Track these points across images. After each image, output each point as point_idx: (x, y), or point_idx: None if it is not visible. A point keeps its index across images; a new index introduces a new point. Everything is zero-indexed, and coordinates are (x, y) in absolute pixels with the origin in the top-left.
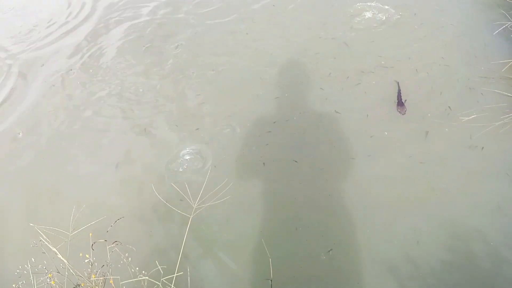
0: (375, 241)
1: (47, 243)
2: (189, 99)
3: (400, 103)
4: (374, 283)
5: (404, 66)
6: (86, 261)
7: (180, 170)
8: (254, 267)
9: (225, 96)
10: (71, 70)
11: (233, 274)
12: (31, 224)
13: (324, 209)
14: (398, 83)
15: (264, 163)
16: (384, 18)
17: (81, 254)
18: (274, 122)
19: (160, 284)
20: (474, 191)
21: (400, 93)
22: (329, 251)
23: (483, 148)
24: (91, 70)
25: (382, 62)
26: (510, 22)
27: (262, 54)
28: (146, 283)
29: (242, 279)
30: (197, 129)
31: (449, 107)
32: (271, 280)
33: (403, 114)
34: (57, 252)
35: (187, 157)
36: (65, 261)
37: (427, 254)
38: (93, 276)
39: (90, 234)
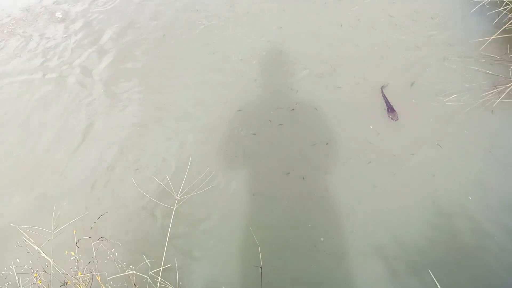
0: (361, 223)
1: (30, 243)
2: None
3: (391, 109)
4: (362, 264)
5: (382, 51)
6: (71, 258)
7: (161, 161)
8: (244, 255)
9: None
10: None
11: (222, 264)
12: (12, 225)
13: (310, 195)
14: (382, 88)
15: (246, 152)
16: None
17: (66, 252)
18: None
19: (148, 277)
20: (457, 168)
21: (386, 98)
22: (322, 240)
23: (464, 126)
24: None
25: (360, 48)
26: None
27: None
28: (134, 277)
29: (231, 268)
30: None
31: (430, 89)
32: (261, 268)
33: (395, 120)
34: (41, 251)
35: (167, 148)
36: (49, 259)
37: (412, 233)
38: (79, 273)
39: (74, 231)
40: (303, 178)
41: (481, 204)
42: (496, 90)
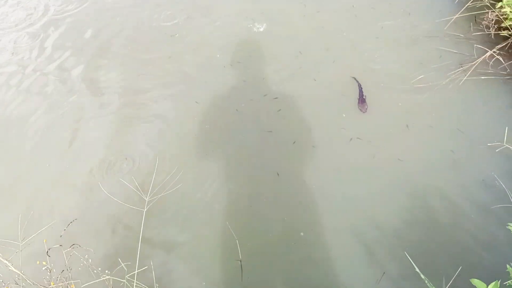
0: (339, 211)
1: None
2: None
3: (361, 100)
4: (342, 250)
5: (349, 36)
6: (43, 268)
7: (128, 163)
8: (222, 250)
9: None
10: None
11: (201, 260)
12: None
13: (284, 183)
14: (355, 78)
15: (217, 147)
16: None
17: (38, 262)
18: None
19: (125, 281)
20: (428, 148)
21: (361, 88)
22: (301, 234)
23: (432, 106)
24: None
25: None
26: None
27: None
28: (111, 282)
29: (211, 264)
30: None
31: (397, 71)
32: (241, 261)
33: (364, 112)
34: (8, 264)
35: (134, 149)
36: (18, 272)
37: (389, 215)
38: (51, 283)
39: (45, 240)
40: (278, 174)
41: (454, 183)
42: (462, 68)
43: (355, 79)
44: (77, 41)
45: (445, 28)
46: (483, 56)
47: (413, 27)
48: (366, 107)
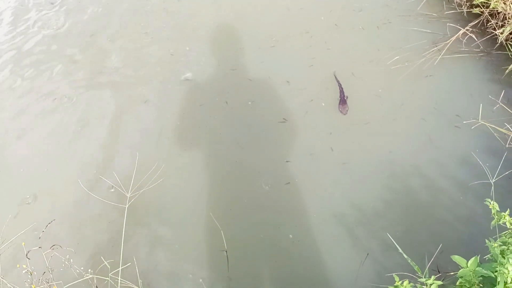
0: (318, 193)
1: None
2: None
3: (343, 101)
4: (324, 234)
5: (325, 15)
6: (24, 271)
7: (107, 159)
8: (207, 241)
9: None
10: None
11: (185, 253)
12: None
13: (266, 171)
14: (335, 76)
15: (197, 138)
16: None
17: (18, 266)
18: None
19: (109, 279)
20: (406, 128)
21: (342, 88)
22: (284, 221)
23: (408, 87)
24: None
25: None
26: None
27: None
28: (95, 281)
29: (196, 256)
30: None
31: (372, 53)
32: (226, 251)
33: (344, 114)
34: None
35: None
36: None
37: (369, 197)
38: (33, 286)
39: (23, 243)
40: (259, 158)
41: (431, 162)
42: (436, 48)
43: (335, 77)
44: None
45: (418, 8)
46: (456, 35)
47: (385, 6)
48: (346, 109)
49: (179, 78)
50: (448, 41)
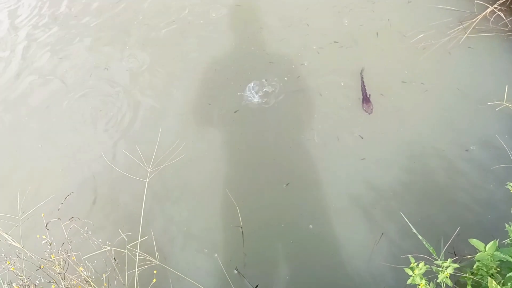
0: (336, 173)
1: None
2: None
3: (366, 100)
4: (340, 214)
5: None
6: (43, 242)
7: (129, 133)
8: (223, 218)
9: None
10: None
11: (202, 229)
12: None
13: (283, 150)
14: (361, 72)
15: (218, 114)
16: None
17: (38, 236)
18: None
19: (126, 251)
20: (428, 109)
21: (364, 86)
22: (287, 184)
23: (431, 66)
24: None
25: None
26: None
27: None
28: (113, 252)
29: (212, 231)
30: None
31: (397, 31)
32: (242, 227)
33: (369, 114)
34: (8, 238)
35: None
36: (18, 245)
37: (388, 179)
38: (52, 256)
39: (43, 214)
40: (276, 137)
41: (452, 143)
42: (462, 26)
43: (361, 75)
44: None
45: None
46: (484, 13)
47: None
48: (371, 107)
49: (205, 59)
50: (474, 20)
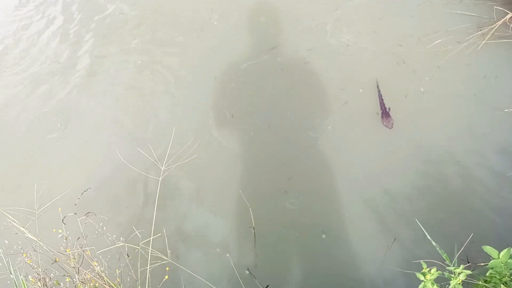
0: (349, 177)
1: (15, 224)
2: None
3: (385, 114)
4: (353, 218)
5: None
6: (59, 236)
7: (144, 133)
8: (236, 218)
9: None
10: None
11: (214, 228)
12: None
13: (297, 152)
14: (377, 84)
15: (232, 115)
16: None
17: (54, 230)
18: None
19: (139, 248)
20: (444, 114)
21: (382, 98)
22: (313, 203)
23: (449, 71)
24: None
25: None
26: None
27: None
28: (126, 249)
29: (225, 231)
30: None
31: (414, 35)
32: (254, 228)
33: (390, 128)
34: (25, 231)
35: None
36: (34, 238)
37: (402, 183)
38: (67, 250)
39: (60, 209)
40: (291, 140)
41: (469, 149)
42: (480, 32)
43: (377, 87)
44: None
45: None
46: (503, 19)
47: None
48: (392, 122)
49: (219, 58)
50: (493, 25)
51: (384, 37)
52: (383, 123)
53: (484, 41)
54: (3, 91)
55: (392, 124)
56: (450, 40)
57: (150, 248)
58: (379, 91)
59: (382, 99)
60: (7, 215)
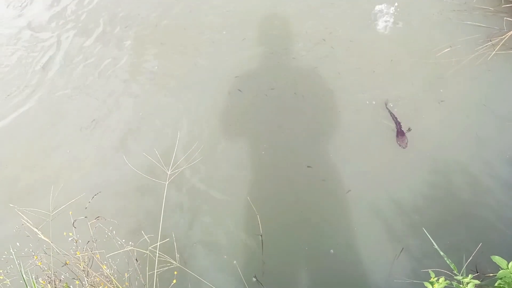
0: (358, 187)
1: (29, 224)
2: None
3: (400, 133)
4: (361, 228)
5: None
6: (70, 239)
7: (150, 137)
8: (243, 225)
9: None
10: None
11: (222, 235)
12: (11, 205)
13: (306, 160)
14: (386, 105)
15: (237, 121)
16: None
17: (65, 233)
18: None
19: (148, 252)
20: (453, 124)
21: (396, 117)
22: (321, 212)
23: (458, 81)
24: None
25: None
26: None
27: None
28: (135, 253)
29: (232, 238)
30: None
31: (423, 45)
32: (261, 236)
33: (404, 148)
34: (38, 233)
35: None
36: (48, 240)
37: (410, 192)
38: (77, 253)
39: (70, 212)
40: (300, 148)
41: (478, 159)
42: (490, 43)
43: (387, 109)
44: None
45: (474, 1)
46: None
47: (439, 1)
48: (406, 141)
49: (225, 63)
50: (504, 36)
51: (394, 46)
52: (397, 142)
53: (494, 52)
54: None
55: (407, 143)
56: (460, 51)
57: (158, 251)
58: (389, 111)
59: (396, 118)
60: (22, 215)
